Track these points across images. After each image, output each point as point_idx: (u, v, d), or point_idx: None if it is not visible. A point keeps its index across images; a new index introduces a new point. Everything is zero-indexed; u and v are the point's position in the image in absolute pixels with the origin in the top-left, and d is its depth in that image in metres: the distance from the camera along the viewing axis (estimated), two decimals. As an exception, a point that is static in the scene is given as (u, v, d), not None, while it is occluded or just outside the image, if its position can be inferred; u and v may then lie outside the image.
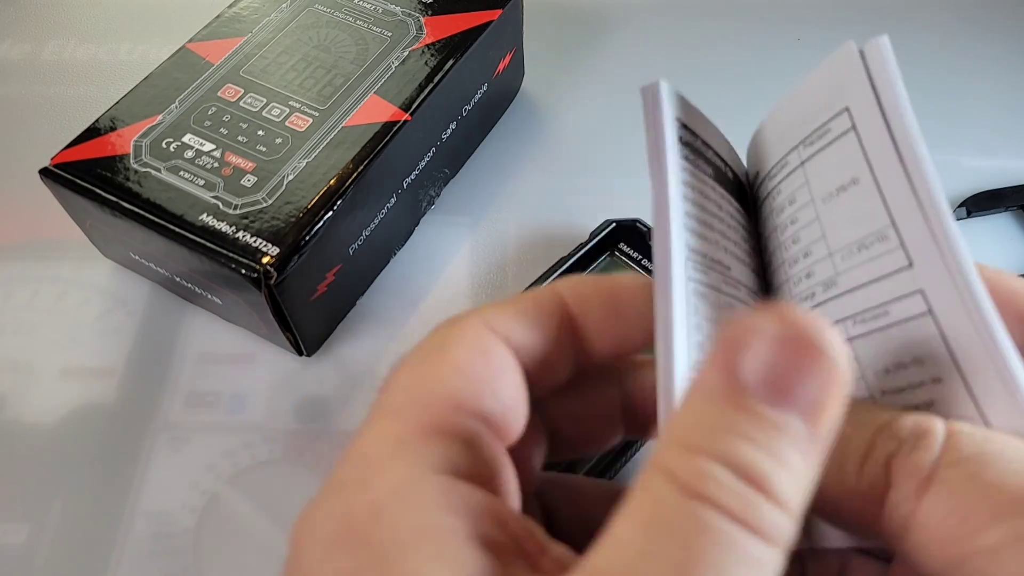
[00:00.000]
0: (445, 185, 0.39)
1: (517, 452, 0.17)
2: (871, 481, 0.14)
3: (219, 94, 0.33)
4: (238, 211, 0.30)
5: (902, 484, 0.14)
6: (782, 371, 0.13)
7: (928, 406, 0.16)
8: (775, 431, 0.13)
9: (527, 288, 0.33)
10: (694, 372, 0.14)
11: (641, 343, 0.18)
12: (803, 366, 0.13)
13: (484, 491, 0.14)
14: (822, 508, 0.15)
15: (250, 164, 0.31)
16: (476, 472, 0.15)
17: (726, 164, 0.20)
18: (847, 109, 0.17)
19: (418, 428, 0.15)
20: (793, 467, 0.13)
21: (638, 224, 0.35)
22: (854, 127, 0.17)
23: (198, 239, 0.29)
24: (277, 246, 0.29)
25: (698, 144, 0.18)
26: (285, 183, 0.31)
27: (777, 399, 0.13)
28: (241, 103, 0.33)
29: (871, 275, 0.17)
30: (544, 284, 0.19)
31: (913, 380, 0.17)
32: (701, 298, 0.17)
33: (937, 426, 0.14)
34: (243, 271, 0.29)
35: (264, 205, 0.30)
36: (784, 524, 0.13)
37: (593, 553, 0.13)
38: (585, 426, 0.20)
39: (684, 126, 0.18)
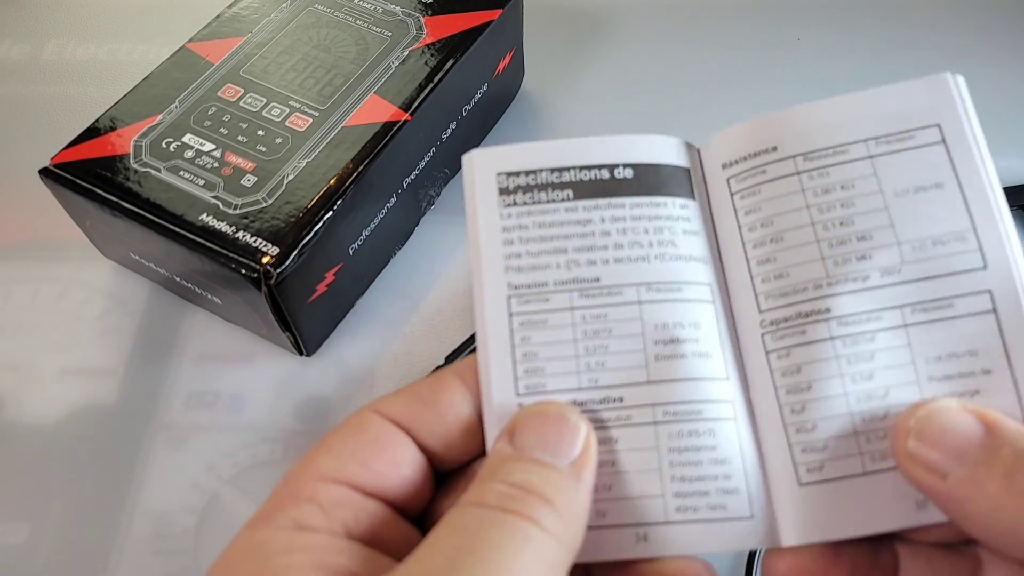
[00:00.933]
0: (445, 185, 0.39)
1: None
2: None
3: (219, 94, 0.33)
4: (238, 211, 0.30)
5: None
6: (551, 436, 0.18)
7: (972, 394, 0.19)
8: (549, 469, 0.17)
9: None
10: (524, 397, 0.20)
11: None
12: (564, 432, 0.18)
13: (329, 535, 0.17)
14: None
15: (250, 164, 0.31)
16: (326, 524, 0.18)
17: (613, 168, 0.21)
18: (938, 125, 0.21)
19: (276, 504, 0.18)
20: (565, 489, 0.17)
21: None
22: (944, 142, 0.21)
23: (198, 239, 0.29)
24: (277, 246, 0.29)
25: (535, 181, 0.21)
26: (285, 183, 0.31)
27: (549, 454, 0.18)
28: (241, 103, 0.33)
29: (943, 270, 0.20)
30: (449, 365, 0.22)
31: (963, 369, 0.19)
32: (533, 327, 0.20)
33: None
34: (243, 271, 0.29)
35: (264, 205, 0.30)
36: (556, 521, 0.16)
37: (403, 562, 0.16)
38: None
39: (510, 174, 0.21)
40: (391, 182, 0.34)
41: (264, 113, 0.33)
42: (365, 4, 0.37)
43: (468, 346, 0.31)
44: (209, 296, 0.33)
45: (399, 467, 0.19)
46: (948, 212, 0.20)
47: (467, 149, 0.40)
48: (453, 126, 0.37)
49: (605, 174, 0.21)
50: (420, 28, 0.36)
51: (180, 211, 0.30)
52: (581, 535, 0.18)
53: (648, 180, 0.22)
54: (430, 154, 0.36)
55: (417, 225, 0.38)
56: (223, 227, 0.29)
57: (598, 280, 0.20)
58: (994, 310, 0.19)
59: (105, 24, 0.47)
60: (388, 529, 0.18)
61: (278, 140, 0.32)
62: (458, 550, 0.15)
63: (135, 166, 0.31)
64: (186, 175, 0.31)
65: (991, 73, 0.44)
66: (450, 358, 0.31)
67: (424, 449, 0.19)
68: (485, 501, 0.17)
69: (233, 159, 0.31)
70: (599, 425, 0.20)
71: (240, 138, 0.32)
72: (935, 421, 0.18)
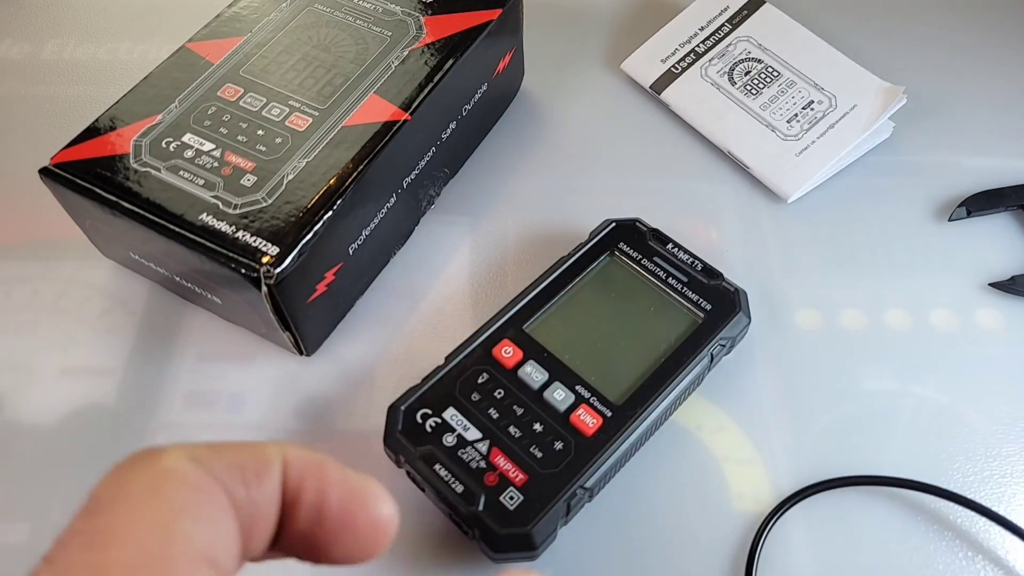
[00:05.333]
0: (445, 185, 0.39)
1: None
2: None
3: (219, 94, 0.33)
4: (238, 211, 0.30)
5: None
6: None
7: None
8: None
9: (530, 285, 0.33)
10: None
11: None
12: None
13: None
14: None
15: (250, 164, 0.31)
16: None
17: None
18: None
19: None
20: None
21: (638, 223, 0.35)
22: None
23: (198, 239, 0.29)
24: (277, 246, 0.29)
25: None
26: (285, 183, 0.31)
27: None
28: (241, 103, 0.33)
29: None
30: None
31: None
32: None
33: None
34: (243, 271, 0.29)
35: (264, 205, 0.30)
36: None
37: None
38: None
39: None
40: (391, 182, 0.34)
41: (264, 113, 0.33)
42: (365, 4, 0.37)
43: (468, 346, 0.31)
44: (209, 296, 0.33)
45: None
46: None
47: (467, 149, 0.41)
48: (453, 126, 0.37)
49: None
50: (420, 28, 0.36)
51: (180, 211, 0.30)
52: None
53: None
54: (430, 154, 0.36)
55: (417, 225, 0.38)
56: (223, 227, 0.29)
57: None
58: None
59: (105, 24, 0.47)
60: None
61: (278, 140, 0.32)
62: None
63: (135, 166, 0.31)
64: (186, 175, 0.31)
65: (991, 72, 0.44)
66: (450, 358, 0.31)
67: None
68: None
69: (233, 159, 0.31)
70: None
71: (240, 138, 0.32)
72: None
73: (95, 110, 0.33)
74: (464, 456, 0.28)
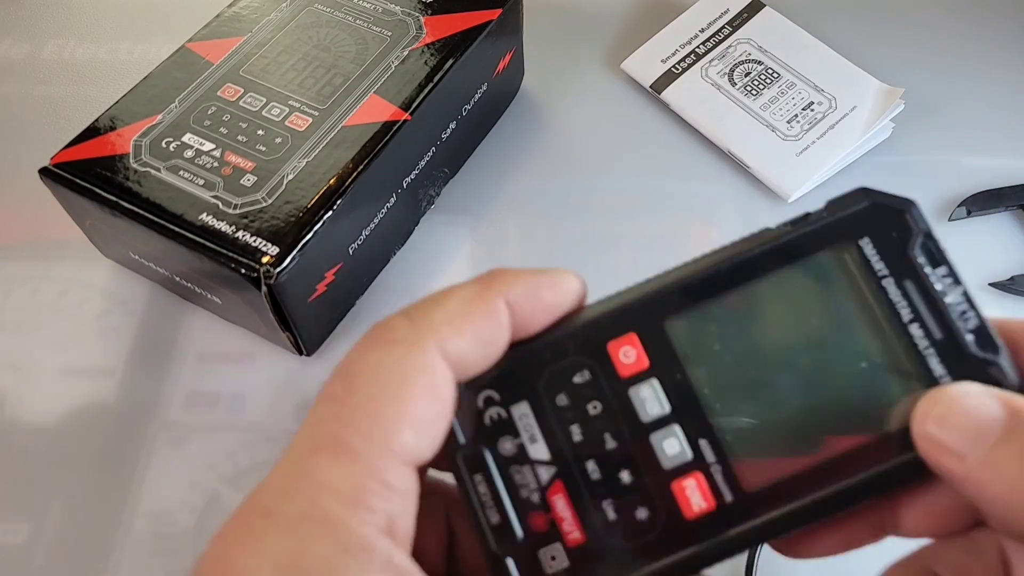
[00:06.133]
0: (445, 185, 0.39)
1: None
2: None
3: (219, 93, 0.33)
4: (238, 211, 0.30)
5: None
6: None
7: None
8: None
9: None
10: None
11: None
12: None
13: (406, 554, 0.16)
14: None
15: (250, 164, 0.31)
16: (406, 531, 0.16)
17: None
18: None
19: (375, 480, 0.16)
20: None
21: (908, 215, 0.20)
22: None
23: (198, 239, 0.29)
24: (277, 246, 0.29)
25: None
26: (285, 183, 0.31)
27: None
28: (241, 102, 0.33)
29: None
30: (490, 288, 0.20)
31: None
32: None
33: None
34: (243, 271, 0.29)
35: (264, 205, 0.30)
36: None
37: None
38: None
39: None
40: (391, 182, 0.34)
41: (264, 113, 0.33)
42: (365, 4, 0.37)
43: (584, 317, 0.23)
44: (209, 296, 0.33)
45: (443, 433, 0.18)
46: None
47: (467, 149, 0.41)
48: (453, 126, 0.37)
49: None
50: (420, 28, 0.36)
51: (180, 211, 0.30)
52: None
53: None
54: (430, 154, 0.36)
55: (417, 225, 0.38)
56: (223, 227, 0.29)
57: None
58: None
59: (105, 24, 0.47)
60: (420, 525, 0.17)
61: (278, 140, 0.32)
62: None
63: (135, 166, 0.31)
64: (186, 175, 0.31)
65: (991, 72, 0.44)
66: (551, 329, 0.25)
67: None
68: None
69: (233, 159, 0.31)
70: None
71: (240, 138, 0.32)
72: (957, 405, 0.17)
73: (95, 110, 0.33)
74: (517, 477, 0.20)
